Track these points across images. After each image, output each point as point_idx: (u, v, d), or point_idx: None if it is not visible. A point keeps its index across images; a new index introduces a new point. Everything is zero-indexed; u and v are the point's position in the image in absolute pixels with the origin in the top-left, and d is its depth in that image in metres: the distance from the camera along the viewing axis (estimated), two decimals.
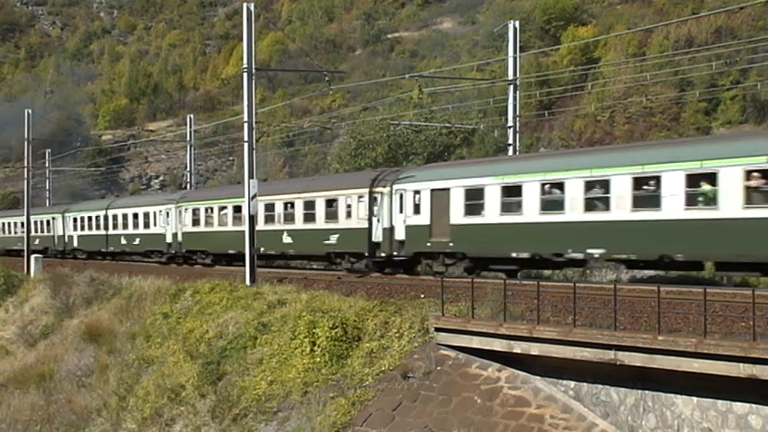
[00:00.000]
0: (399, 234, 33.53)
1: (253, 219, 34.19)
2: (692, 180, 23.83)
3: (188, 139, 60.40)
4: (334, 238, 36.92)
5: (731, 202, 22.86)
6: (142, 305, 35.72)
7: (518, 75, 38.35)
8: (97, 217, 59.43)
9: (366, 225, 35.19)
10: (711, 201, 23.37)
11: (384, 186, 34.64)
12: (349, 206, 36.20)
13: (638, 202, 25.00)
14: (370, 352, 23.34)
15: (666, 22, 72.27)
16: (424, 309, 23.56)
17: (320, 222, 37.76)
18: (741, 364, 15.89)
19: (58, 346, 37.81)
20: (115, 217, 56.98)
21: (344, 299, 27.31)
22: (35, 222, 65.26)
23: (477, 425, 19.72)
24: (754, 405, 16.25)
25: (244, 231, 34.44)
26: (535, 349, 19.66)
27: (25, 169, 61.51)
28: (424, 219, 32.28)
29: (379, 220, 34.72)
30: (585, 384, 19.18)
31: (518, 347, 20.07)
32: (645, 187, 24.92)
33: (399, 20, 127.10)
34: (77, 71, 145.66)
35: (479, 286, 22.07)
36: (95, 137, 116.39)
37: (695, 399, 17.14)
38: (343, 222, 36.62)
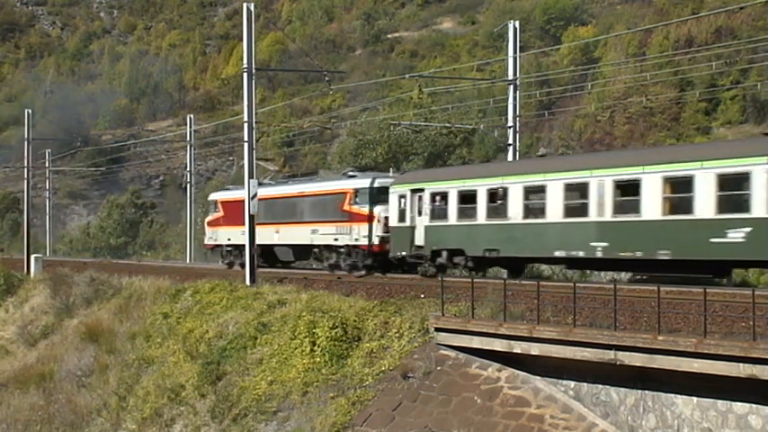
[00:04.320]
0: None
1: (253, 218, 34.25)
2: None
3: (188, 139, 60.48)
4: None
5: None
6: (142, 305, 35.76)
7: (518, 75, 38.36)
8: None
9: None
10: None
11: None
12: None
13: None
14: (370, 352, 23.36)
15: (666, 22, 72.12)
16: (424, 309, 23.57)
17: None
18: (741, 364, 15.89)
19: (58, 346, 37.84)
20: None
21: (344, 299, 27.34)
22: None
23: (477, 425, 19.72)
24: (754, 405, 16.25)
25: None
26: (535, 349, 19.66)
27: (25, 169, 61.56)
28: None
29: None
30: (585, 384, 19.18)
31: (518, 347, 20.07)
32: None
33: (399, 20, 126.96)
34: (77, 71, 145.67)
35: (479, 286, 22.08)
36: (95, 137, 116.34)
37: (695, 399, 17.14)
38: None
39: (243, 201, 39.23)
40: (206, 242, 48.40)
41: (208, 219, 47.80)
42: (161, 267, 47.12)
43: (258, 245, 36.95)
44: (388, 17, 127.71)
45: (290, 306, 28.02)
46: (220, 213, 46.37)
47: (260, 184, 38.64)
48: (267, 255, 41.03)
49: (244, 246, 38.00)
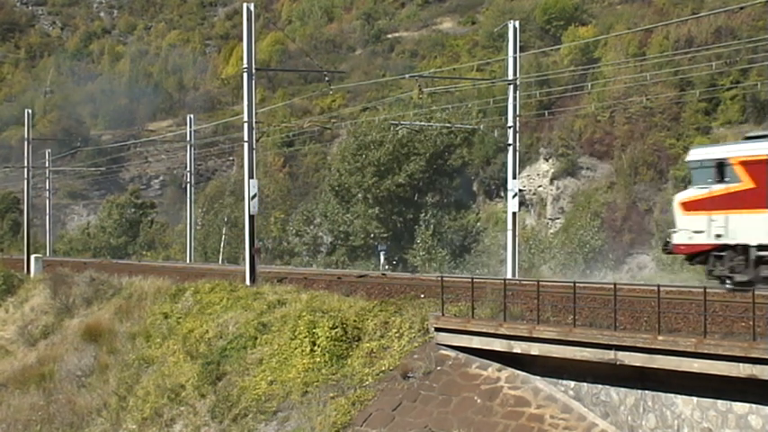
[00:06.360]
0: None
1: (253, 218, 34.23)
2: None
3: (188, 139, 60.47)
4: None
5: None
6: (142, 305, 35.74)
7: (518, 75, 38.32)
8: None
9: None
10: None
11: None
12: None
13: None
14: (370, 352, 23.37)
15: (666, 22, 72.12)
16: (424, 309, 23.57)
17: None
18: (741, 364, 15.90)
19: (58, 346, 37.81)
20: None
21: (344, 299, 27.33)
22: None
23: (477, 425, 19.73)
24: (754, 405, 16.25)
25: None
26: (535, 349, 19.66)
27: (25, 169, 61.54)
28: None
29: None
30: (585, 384, 19.18)
31: (518, 347, 20.07)
32: None
33: (399, 20, 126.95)
34: (77, 71, 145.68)
35: (479, 286, 22.09)
36: (95, 137, 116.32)
37: (695, 399, 17.14)
38: None
39: None
40: (682, 240, 24.93)
41: (685, 197, 25.37)
42: (161, 267, 47.11)
43: None
44: (388, 17, 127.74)
45: (290, 306, 28.01)
46: (742, 185, 23.47)
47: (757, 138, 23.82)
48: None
49: None
